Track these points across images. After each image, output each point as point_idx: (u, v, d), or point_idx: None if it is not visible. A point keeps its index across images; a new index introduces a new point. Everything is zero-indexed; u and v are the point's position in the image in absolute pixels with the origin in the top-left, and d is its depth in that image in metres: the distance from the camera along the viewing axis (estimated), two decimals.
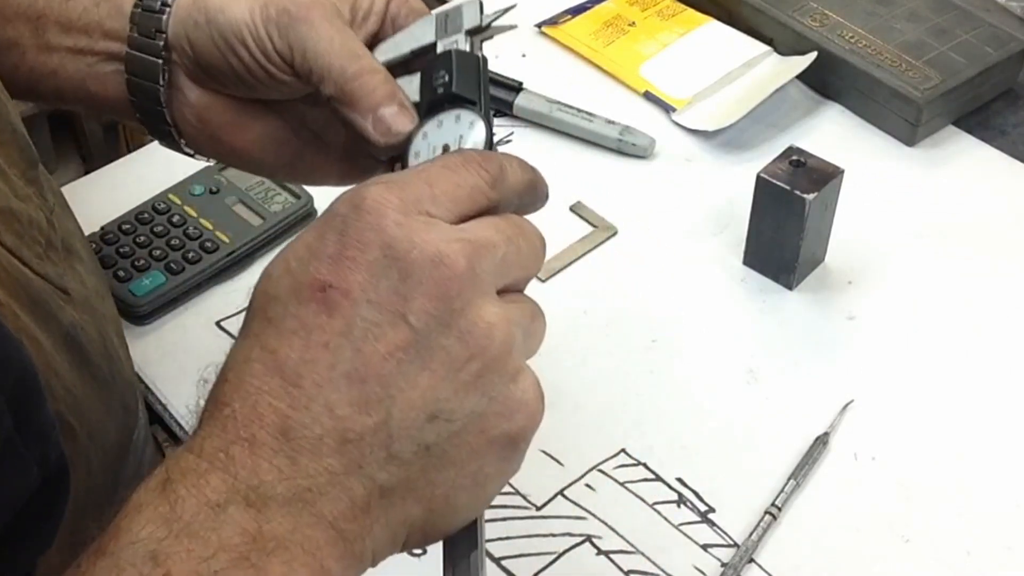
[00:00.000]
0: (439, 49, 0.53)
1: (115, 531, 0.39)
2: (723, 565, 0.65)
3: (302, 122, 0.59)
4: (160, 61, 0.57)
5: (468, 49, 0.52)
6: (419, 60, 0.54)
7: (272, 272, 0.43)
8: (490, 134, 0.48)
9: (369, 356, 0.40)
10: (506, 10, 0.55)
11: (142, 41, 0.57)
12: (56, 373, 0.48)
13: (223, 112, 0.59)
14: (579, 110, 0.92)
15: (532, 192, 0.47)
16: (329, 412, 0.40)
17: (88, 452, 0.51)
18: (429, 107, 0.50)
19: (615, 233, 0.85)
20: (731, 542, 0.66)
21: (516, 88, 0.94)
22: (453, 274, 0.41)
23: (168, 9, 0.57)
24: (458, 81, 0.49)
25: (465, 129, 0.48)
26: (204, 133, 0.60)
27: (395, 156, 0.52)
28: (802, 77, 0.94)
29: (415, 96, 0.52)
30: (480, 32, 0.52)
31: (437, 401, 0.41)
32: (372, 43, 0.57)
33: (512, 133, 0.93)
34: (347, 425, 0.40)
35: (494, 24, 0.54)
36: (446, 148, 0.48)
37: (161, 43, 0.57)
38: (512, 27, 0.55)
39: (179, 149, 0.61)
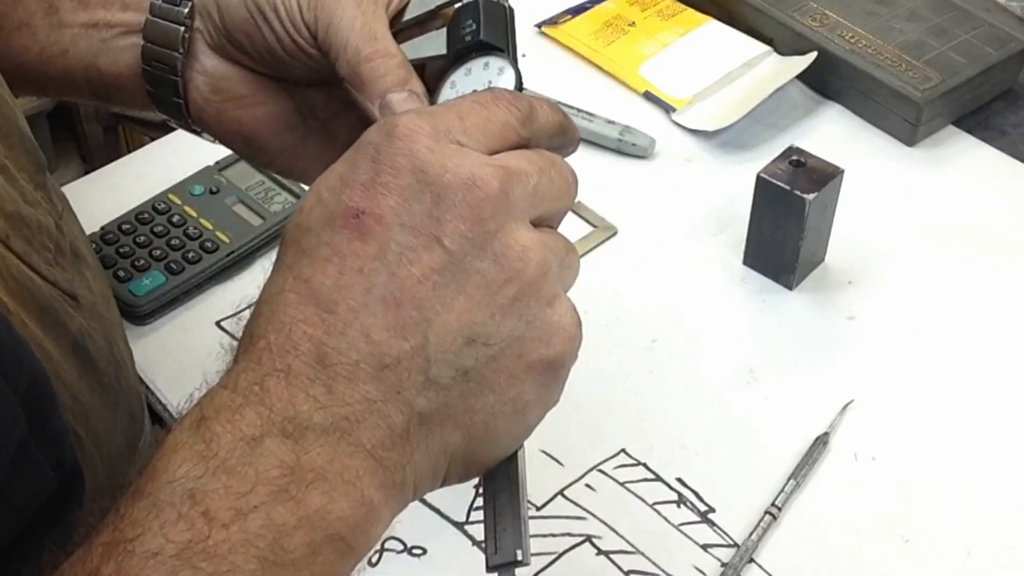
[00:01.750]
0: None
1: (152, 472, 0.39)
2: (723, 565, 0.65)
3: (312, 109, 0.59)
4: (182, 28, 0.57)
5: None
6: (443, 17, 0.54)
7: (304, 204, 0.43)
8: (519, 80, 0.48)
9: (404, 280, 0.40)
10: None
11: (166, 8, 0.57)
12: (63, 381, 0.48)
13: (238, 84, 0.58)
14: (579, 110, 0.92)
15: (562, 134, 0.47)
16: (365, 337, 0.40)
17: (94, 460, 0.51)
18: (456, 56, 0.50)
19: (615, 233, 0.85)
20: (731, 542, 0.66)
21: (516, 88, 0.93)
22: (486, 196, 0.41)
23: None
24: (486, 29, 0.49)
25: (494, 75, 0.48)
26: (213, 106, 0.59)
27: None
28: (802, 77, 0.94)
29: (442, 49, 0.52)
30: None
31: (474, 325, 0.41)
32: (399, 20, 0.56)
33: None
34: (384, 350, 0.40)
35: None
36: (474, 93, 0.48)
37: (186, 9, 0.57)
38: None
39: (185, 125, 0.61)
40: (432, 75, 0.56)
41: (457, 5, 0.52)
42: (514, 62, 0.49)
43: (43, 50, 0.59)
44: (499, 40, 0.50)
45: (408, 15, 0.54)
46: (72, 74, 0.60)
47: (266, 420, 0.39)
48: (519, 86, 0.48)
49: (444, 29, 0.52)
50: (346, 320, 0.40)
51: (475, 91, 0.48)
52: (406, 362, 0.40)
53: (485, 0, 0.51)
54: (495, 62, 0.49)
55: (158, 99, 0.60)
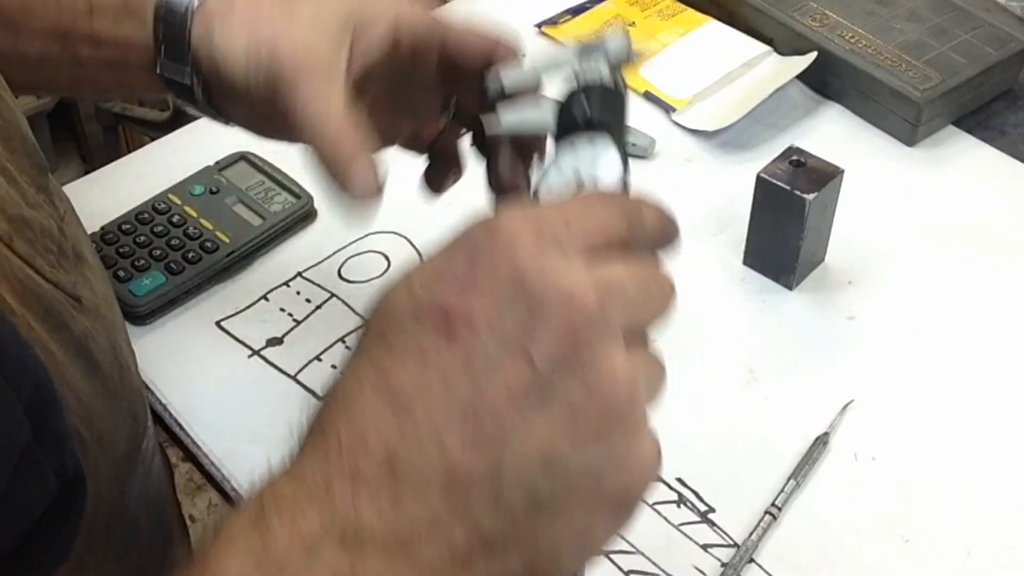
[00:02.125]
0: (578, 74, 0.53)
1: (203, 560, 0.38)
2: (723, 565, 0.65)
3: None
4: (190, 84, 0.61)
5: (611, 83, 0.52)
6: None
7: (393, 291, 0.41)
8: (625, 165, 0.48)
9: (487, 393, 0.38)
10: (640, 56, 0.55)
11: (173, 66, 0.60)
12: (68, 383, 0.48)
13: (255, 117, 0.62)
14: None
15: (666, 240, 0.46)
16: (440, 448, 0.38)
17: (98, 462, 0.51)
18: (564, 130, 0.50)
19: None
20: (731, 542, 0.66)
21: (622, 174, 0.93)
22: (583, 315, 0.39)
23: (188, 34, 0.59)
24: (599, 111, 0.49)
25: (599, 154, 0.48)
26: (246, 126, 0.64)
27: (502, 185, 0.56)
28: (802, 77, 0.94)
29: (548, 124, 0.52)
30: (624, 67, 0.53)
31: (554, 450, 0.39)
32: (374, 72, 0.59)
33: None
34: (457, 464, 0.38)
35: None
36: (576, 171, 0.48)
37: (188, 67, 0.60)
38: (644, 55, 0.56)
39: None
40: (495, 143, 0.59)
41: (575, 66, 0.52)
42: (621, 147, 0.49)
43: (72, 80, 0.64)
44: (611, 123, 0.49)
45: (515, 78, 0.55)
46: (106, 91, 0.67)
47: (327, 524, 0.37)
48: (623, 171, 0.48)
49: (551, 101, 0.52)
50: (421, 427, 0.38)
51: (576, 169, 0.47)
52: (478, 480, 0.38)
53: (603, 86, 0.51)
54: (600, 140, 0.48)
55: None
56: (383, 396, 0.39)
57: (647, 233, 0.44)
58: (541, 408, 0.38)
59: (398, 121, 0.65)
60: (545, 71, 0.55)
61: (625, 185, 0.48)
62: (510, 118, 0.54)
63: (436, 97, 0.64)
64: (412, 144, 0.67)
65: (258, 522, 0.38)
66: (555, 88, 0.53)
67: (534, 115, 0.53)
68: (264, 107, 0.58)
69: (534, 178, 0.50)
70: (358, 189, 0.55)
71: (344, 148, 0.55)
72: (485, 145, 0.63)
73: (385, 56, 0.59)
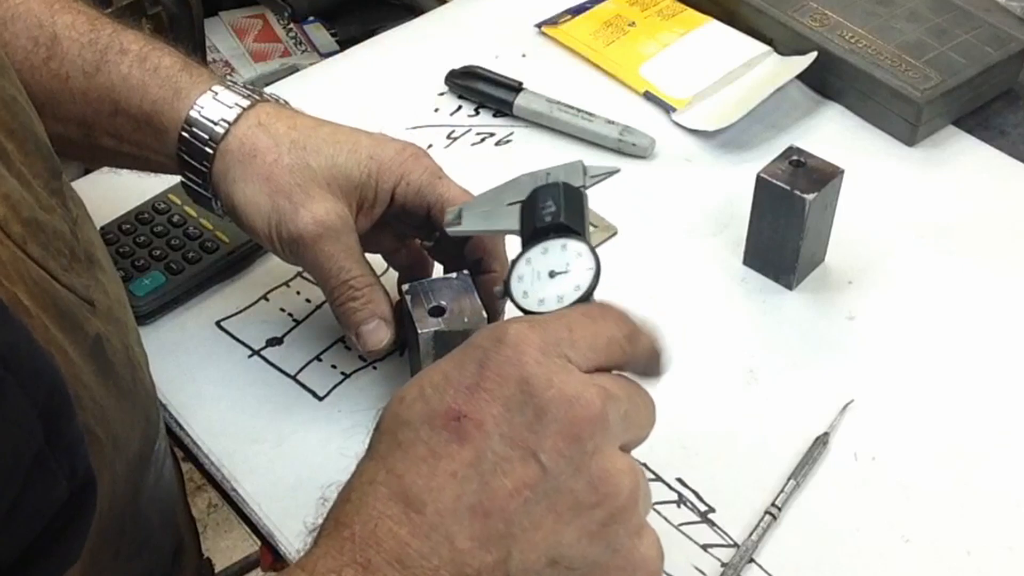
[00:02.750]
0: (540, 177, 0.55)
1: None
2: (723, 565, 0.65)
3: None
4: (212, 202, 0.67)
5: (574, 183, 0.54)
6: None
7: (406, 396, 0.43)
8: (598, 266, 0.50)
9: (496, 491, 0.40)
10: (610, 174, 0.57)
11: (196, 180, 0.67)
12: (83, 384, 0.48)
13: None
14: (579, 110, 0.92)
15: (656, 361, 0.48)
16: (449, 544, 0.39)
17: (113, 463, 0.51)
18: (533, 234, 0.51)
19: (615, 233, 0.85)
20: (731, 542, 0.66)
21: (516, 88, 0.94)
22: (588, 416, 0.41)
23: (208, 167, 0.65)
24: (567, 211, 0.51)
25: (572, 258, 0.50)
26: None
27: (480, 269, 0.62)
28: (802, 77, 0.94)
29: (514, 226, 0.53)
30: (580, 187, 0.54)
31: (560, 546, 0.40)
32: (380, 219, 0.67)
33: (512, 133, 0.93)
34: (466, 559, 0.39)
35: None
36: (552, 273, 0.49)
37: (209, 193, 0.67)
38: (615, 171, 0.58)
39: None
40: (478, 246, 0.65)
41: (536, 184, 0.54)
42: (591, 247, 0.50)
43: (92, 157, 0.71)
44: (578, 225, 0.51)
45: (479, 208, 0.58)
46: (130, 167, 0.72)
47: None
48: (597, 272, 0.50)
49: (516, 206, 0.54)
50: (432, 523, 0.40)
51: (551, 272, 0.49)
52: (486, 574, 0.40)
53: (565, 184, 0.52)
54: (573, 245, 0.50)
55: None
56: (396, 495, 0.40)
57: (643, 349, 0.47)
58: (548, 505, 0.40)
59: (381, 236, 0.70)
60: (507, 199, 0.56)
61: (598, 279, 0.50)
62: (472, 223, 0.56)
63: (422, 230, 0.69)
64: (391, 258, 0.73)
65: None
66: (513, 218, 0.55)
67: (500, 217, 0.55)
68: (286, 259, 0.66)
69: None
70: (369, 341, 0.65)
71: (356, 306, 0.64)
72: (440, 250, 0.69)
73: (386, 210, 0.67)
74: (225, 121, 0.64)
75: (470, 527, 0.39)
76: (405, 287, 0.65)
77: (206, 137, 0.64)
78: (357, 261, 0.64)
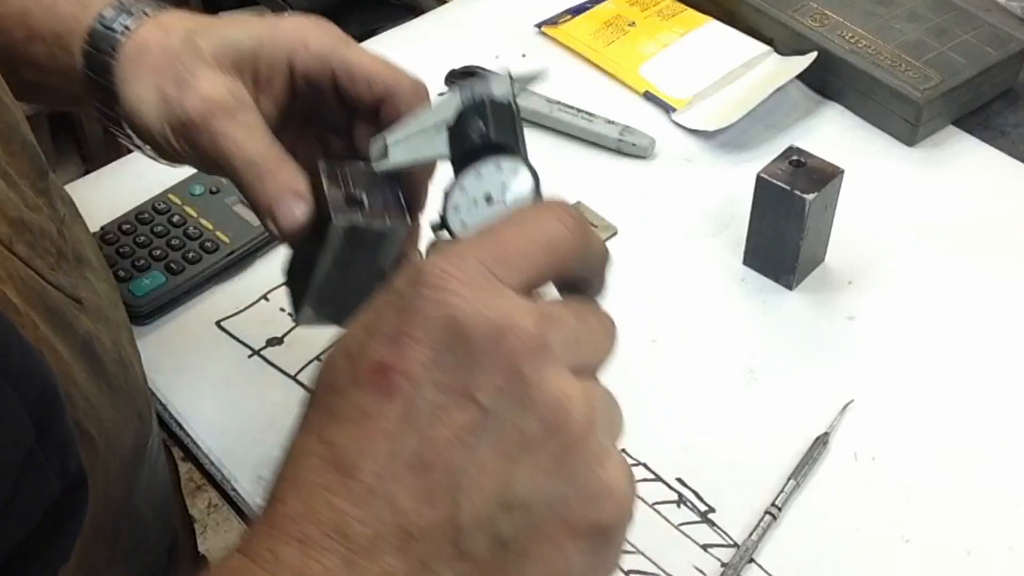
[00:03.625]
0: (466, 96, 0.51)
1: None
2: (723, 565, 0.65)
3: None
4: (124, 122, 0.59)
5: (503, 99, 0.50)
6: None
7: (331, 358, 0.40)
8: (537, 180, 0.46)
9: (434, 441, 0.37)
10: (535, 77, 0.53)
11: (103, 109, 0.60)
12: (75, 382, 0.48)
13: (177, 159, 0.61)
14: (579, 110, 0.92)
15: (604, 263, 0.44)
16: (390, 505, 0.36)
17: (106, 461, 0.51)
18: (464, 158, 0.48)
19: (615, 233, 0.85)
20: (731, 542, 0.66)
21: (534, 189, 0.93)
22: (523, 343, 0.37)
23: (112, 79, 0.58)
24: (496, 129, 0.47)
25: (508, 176, 0.46)
26: (180, 160, 0.62)
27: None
28: (802, 77, 0.94)
29: (444, 151, 0.50)
30: (511, 102, 0.51)
31: (512, 487, 0.37)
32: (285, 103, 0.59)
33: None
34: (410, 519, 0.36)
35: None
36: (488, 198, 0.46)
37: (118, 104, 0.59)
38: (542, 71, 0.54)
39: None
40: (420, 177, 0.57)
41: (462, 106, 0.50)
42: (527, 163, 0.47)
43: (21, 95, 0.60)
44: (509, 140, 0.47)
45: (403, 133, 0.53)
46: (63, 105, 0.64)
47: None
48: (537, 186, 0.46)
49: (443, 130, 0.50)
50: (369, 487, 0.37)
51: (488, 196, 0.46)
52: (434, 532, 0.36)
53: (492, 100, 0.49)
54: (508, 164, 0.46)
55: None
56: (329, 463, 0.37)
57: (591, 252, 0.42)
58: (492, 447, 0.37)
59: (298, 146, 0.62)
60: (432, 122, 0.52)
61: (539, 195, 0.47)
62: (400, 154, 0.52)
63: (344, 135, 0.62)
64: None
65: None
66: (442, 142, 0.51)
67: (428, 143, 0.51)
68: (188, 156, 0.59)
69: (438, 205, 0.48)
70: (283, 221, 0.55)
71: (265, 184, 0.55)
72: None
73: (289, 92, 0.59)
74: (127, 29, 0.58)
75: (411, 485, 0.36)
76: (321, 163, 0.55)
77: (107, 47, 0.58)
78: (261, 139, 0.56)
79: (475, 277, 0.38)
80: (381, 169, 0.52)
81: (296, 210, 0.54)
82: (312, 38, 0.58)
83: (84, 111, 0.64)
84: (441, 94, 0.94)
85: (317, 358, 0.75)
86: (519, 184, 0.46)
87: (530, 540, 0.37)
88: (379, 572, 0.36)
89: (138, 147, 0.62)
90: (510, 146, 0.47)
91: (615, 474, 0.39)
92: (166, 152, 0.60)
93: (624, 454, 0.70)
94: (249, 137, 0.56)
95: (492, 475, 0.37)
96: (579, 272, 0.42)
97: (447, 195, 0.47)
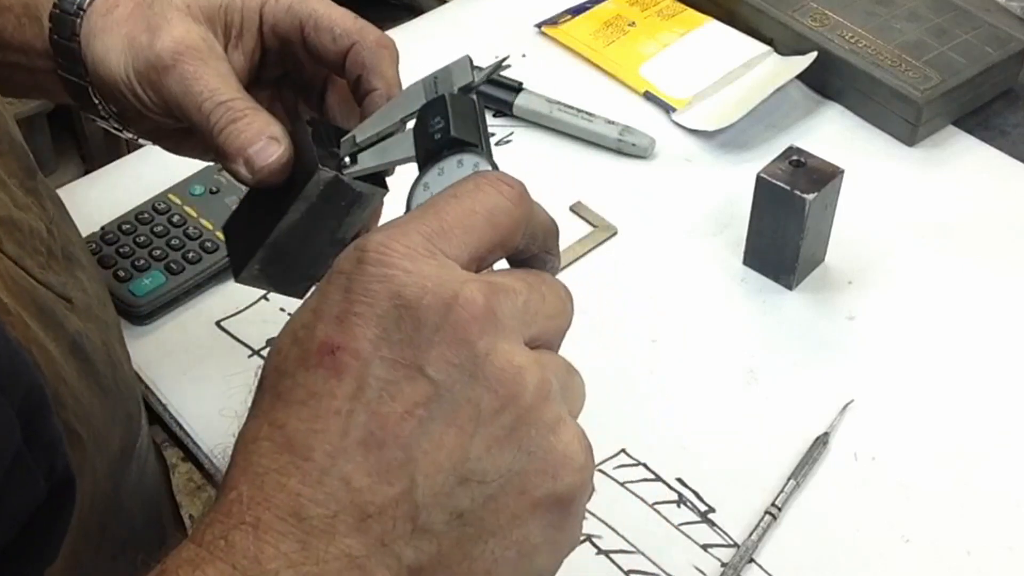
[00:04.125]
0: (428, 91, 0.50)
1: None
2: (723, 565, 0.65)
3: None
4: (86, 85, 0.58)
5: (463, 91, 0.49)
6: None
7: (279, 344, 0.39)
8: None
9: (386, 417, 0.36)
10: (498, 65, 0.53)
11: (68, 67, 0.58)
12: (64, 381, 0.48)
13: (147, 124, 0.60)
14: (579, 110, 0.92)
15: (553, 233, 0.44)
16: (345, 485, 0.36)
17: (94, 460, 0.51)
18: (427, 156, 0.47)
19: (615, 233, 0.85)
20: (731, 542, 0.66)
21: (516, 88, 0.94)
22: (471, 315, 0.37)
23: (78, 39, 0.57)
24: (456, 125, 0.47)
25: (469, 171, 0.45)
26: (142, 134, 0.61)
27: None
28: (802, 77, 0.94)
29: (410, 151, 0.49)
30: (473, 90, 0.50)
31: (467, 461, 0.37)
32: (256, 58, 0.58)
33: (512, 133, 0.93)
34: (366, 498, 0.36)
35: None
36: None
37: (83, 69, 0.57)
38: (504, 59, 0.54)
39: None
40: (356, 61, 0.56)
41: (421, 107, 0.50)
42: (489, 157, 0.46)
43: None
44: (471, 135, 0.47)
45: (371, 130, 0.52)
46: (27, 93, 0.62)
47: None
48: None
49: (409, 132, 0.50)
50: (323, 467, 0.36)
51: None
52: (391, 510, 0.36)
53: (452, 95, 0.48)
54: (469, 159, 0.45)
55: (103, 122, 0.61)
56: (280, 447, 0.37)
57: (535, 223, 0.42)
58: (445, 420, 0.37)
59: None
60: (400, 113, 0.51)
61: None
62: (368, 160, 0.51)
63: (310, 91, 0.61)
64: None
65: None
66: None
67: (396, 146, 0.51)
68: (153, 108, 0.56)
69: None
70: (258, 160, 0.52)
71: (239, 128, 0.52)
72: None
73: (259, 47, 0.58)
74: None
75: (365, 462, 0.36)
76: (307, 118, 0.55)
77: (74, 8, 0.56)
78: (232, 86, 0.54)
79: (417, 251, 0.38)
80: (351, 174, 0.52)
81: (276, 153, 0.52)
82: None
83: (41, 93, 0.63)
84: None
85: None
86: None
87: (489, 513, 0.37)
88: (337, 553, 0.36)
89: (103, 117, 0.61)
90: (471, 141, 0.46)
91: (571, 444, 0.39)
92: (129, 111, 0.58)
93: (624, 454, 0.70)
94: (221, 82, 0.54)
95: (447, 449, 0.37)
96: (527, 245, 0.42)
97: (411, 193, 0.47)
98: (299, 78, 0.60)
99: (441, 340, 0.37)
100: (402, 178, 0.51)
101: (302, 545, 0.36)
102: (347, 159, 0.52)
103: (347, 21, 0.57)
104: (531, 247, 0.42)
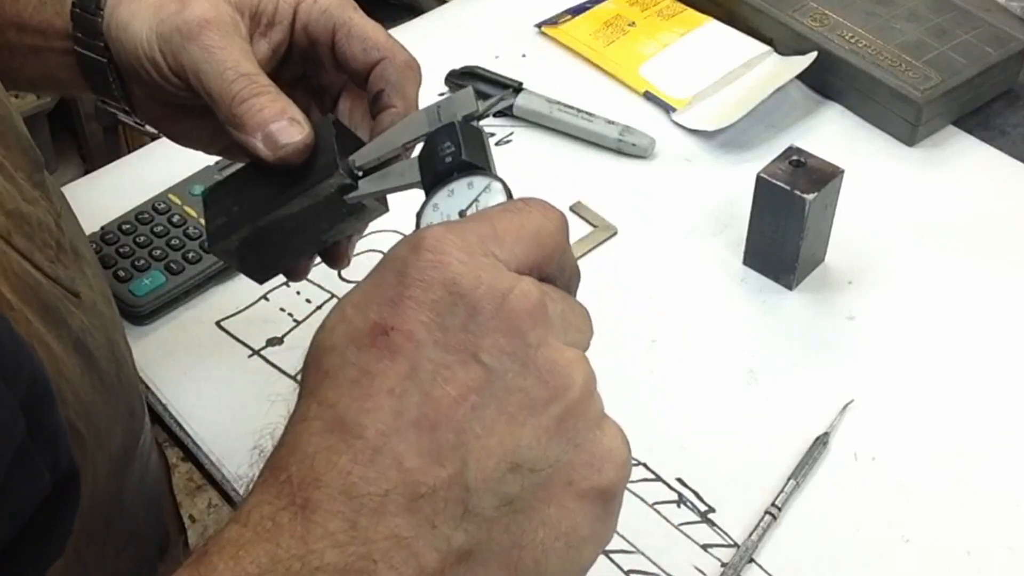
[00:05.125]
0: (433, 119, 0.51)
1: None
2: (723, 565, 0.65)
3: None
4: (105, 60, 0.58)
5: (470, 119, 0.50)
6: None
7: (327, 323, 0.39)
8: (510, 194, 0.47)
9: (439, 400, 0.37)
10: (502, 98, 0.53)
11: (87, 42, 0.58)
12: (66, 378, 0.48)
13: (157, 107, 0.60)
14: (579, 110, 0.92)
15: (576, 279, 0.45)
16: (397, 464, 0.36)
17: (95, 458, 0.51)
18: (436, 179, 0.48)
19: (615, 233, 0.85)
20: (731, 542, 0.66)
21: (516, 88, 0.94)
22: (526, 308, 0.38)
23: (101, 12, 0.57)
24: (467, 149, 0.48)
25: (480, 192, 0.46)
26: (150, 120, 0.61)
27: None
28: (802, 77, 0.94)
29: (415, 177, 0.50)
30: (477, 119, 0.51)
31: (518, 448, 0.37)
32: (281, 53, 0.58)
33: (512, 133, 0.93)
34: (417, 478, 0.36)
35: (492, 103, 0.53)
36: (462, 214, 0.46)
37: (102, 44, 0.57)
38: (509, 93, 0.54)
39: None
40: (380, 77, 0.56)
41: (430, 131, 0.50)
42: (500, 179, 0.47)
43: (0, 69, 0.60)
44: (481, 160, 0.48)
45: (372, 154, 0.52)
46: (36, 84, 0.63)
47: (272, 558, 0.35)
48: (509, 198, 0.46)
49: (413, 159, 0.51)
50: (375, 446, 0.36)
51: (461, 212, 0.46)
52: (442, 491, 0.36)
53: (461, 123, 0.49)
54: (480, 181, 0.47)
55: (113, 107, 0.61)
56: (330, 426, 0.37)
57: (568, 254, 0.43)
58: (498, 407, 0.37)
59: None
60: (402, 139, 0.53)
61: None
62: (371, 186, 0.52)
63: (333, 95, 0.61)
64: None
65: (200, 562, 0.36)
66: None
67: (399, 173, 0.51)
68: (169, 76, 0.55)
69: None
70: (281, 137, 0.51)
71: (261, 103, 0.52)
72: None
73: (287, 42, 0.58)
74: None
75: (417, 443, 0.36)
76: (331, 117, 0.55)
77: None
78: (255, 64, 0.54)
79: (474, 247, 0.39)
80: (352, 199, 0.53)
81: (301, 134, 0.52)
82: None
83: (49, 82, 0.62)
84: (442, 94, 0.94)
85: None
86: (493, 197, 0.47)
87: (537, 500, 0.37)
88: (385, 532, 0.36)
89: (112, 98, 0.61)
90: (481, 165, 0.47)
91: (616, 439, 0.40)
92: (143, 81, 0.57)
93: None
94: (244, 57, 0.54)
95: (498, 436, 0.37)
96: (556, 276, 0.43)
97: (420, 214, 0.47)
98: (316, 82, 0.61)
99: (496, 328, 0.38)
100: (401, 197, 0.52)
101: (350, 525, 0.36)
102: (347, 170, 0.53)
103: (380, 36, 0.57)
104: (558, 279, 0.43)
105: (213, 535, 0.37)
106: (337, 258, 0.58)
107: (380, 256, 0.83)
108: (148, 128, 0.63)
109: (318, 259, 0.59)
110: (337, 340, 0.39)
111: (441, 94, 0.96)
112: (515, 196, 0.46)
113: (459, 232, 0.39)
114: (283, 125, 0.52)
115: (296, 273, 0.59)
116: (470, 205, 0.46)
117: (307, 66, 0.60)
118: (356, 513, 0.36)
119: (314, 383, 0.39)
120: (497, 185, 0.46)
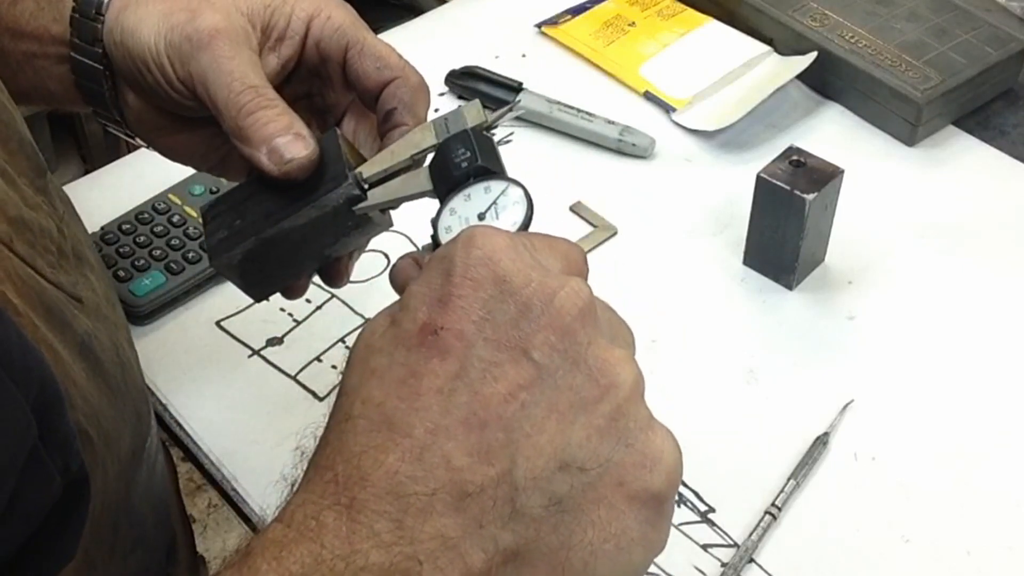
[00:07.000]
0: (444, 129, 0.52)
1: None
2: (723, 565, 0.65)
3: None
4: (101, 67, 0.57)
5: (481, 127, 0.51)
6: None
7: (373, 323, 0.39)
8: (528, 197, 0.47)
9: (489, 398, 0.36)
10: (510, 108, 0.54)
11: (83, 47, 0.57)
12: (73, 382, 0.48)
13: (153, 118, 0.59)
14: (579, 110, 0.92)
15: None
16: (445, 463, 0.35)
17: (104, 461, 0.51)
18: (452, 184, 0.48)
19: (615, 233, 0.85)
20: (731, 542, 0.66)
21: (516, 88, 0.94)
22: (577, 306, 0.38)
23: (102, 18, 0.56)
24: (482, 154, 0.48)
25: (498, 194, 0.47)
26: (143, 131, 0.61)
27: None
28: (802, 77, 0.94)
29: (425, 186, 0.50)
30: (487, 129, 0.51)
31: (568, 447, 0.37)
32: (290, 68, 0.58)
33: (512, 133, 0.93)
34: (466, 477, 0.35)
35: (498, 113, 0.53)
36: (481, 216, 0.47)
37: (100, 50, 0.57)
38: (518, 112, 0.55)
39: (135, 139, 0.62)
40: (393, 95, 0.56)
41: (438, 142, 0.51)
42: (517, 182, 0.47)
43: None
44: (495, 165, 0.48)
45: (379, 167, 0.52)
46: (27, 94, 0.61)
47: (316, 558, 0.35)
48: (530, 204, 0.47)
49: (422, 169, 0.51)
50: (423, 444, 0.36)
51: (480, 215, 0.46)
52: (490, 490, 0.36)
53: (474, 130, 0.50)
54: (497, 185, 0.47)
55: (104, 118, 0.61)
56: (377, 425, 0.37)
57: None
58: (548, 405, 0.37)
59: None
60: (409, 151, 0.53)
61: (531, 210, 0.47)
62: (381, 195, 0.52)
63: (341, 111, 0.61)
64: None
65: (242, 564, 0.36)
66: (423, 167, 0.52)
67: (409, 182, 0.52)
68: (176, 84, 0.55)
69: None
70: (287, 152, 0.51)
71: (268, 117, 0.52)
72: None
73: (297, 57, 0.58)
74: None
75: (466, 441, 0.35)
76: (339, 131, 0.55)
77: None
78: (263, 77, 0.53)
79: (520, 251, 0.39)
80: (360, 210, 0.53)
81: (307, 149, 0.51)
82: (335, 10, 0.57)
83: (40, 94, 0.62)
84: (442, 94, 0.94)
85: (317, 358, 0.75)
86: (511, 202, 0.47)
87: (588, 502, 0.37)
88: (432, 532, 0.35)
89: (105, 109, 0.60)
90: (495, 170, 0.48)
91: (667, 441, 0.39)
92: (146, 89, 0.57)
93: None
94: (252, 70, 0.53)
95: (548, 434, 0.37)
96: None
97: (437, 220, 0.48)
98: (320, 101, 0.60)
99: (547, 325, 0.37)
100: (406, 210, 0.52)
101: (396, 524, 0.35)
102: (353, 181, 0.53)
103: (392, 56, 0.57)
104: None
105: (256, 536, 0.37)
106: (336, 275, 0.58)
107: (380, 255, 0.83)
108: (138, 141, 0.63)
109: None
110: (385, 342, 0.38)
111: (441, 94, 0.96)
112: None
113: (506, 237, 0.39)
114: (288, 139, 0.51)
115: (295, 290, 0.58)
116: (488, 208, 0.47)
117: (314, 83, 0.60)
118: (402, 513, 0.35)
119: (357, 381, 0.38)
120: (515, 189, 0.47)
